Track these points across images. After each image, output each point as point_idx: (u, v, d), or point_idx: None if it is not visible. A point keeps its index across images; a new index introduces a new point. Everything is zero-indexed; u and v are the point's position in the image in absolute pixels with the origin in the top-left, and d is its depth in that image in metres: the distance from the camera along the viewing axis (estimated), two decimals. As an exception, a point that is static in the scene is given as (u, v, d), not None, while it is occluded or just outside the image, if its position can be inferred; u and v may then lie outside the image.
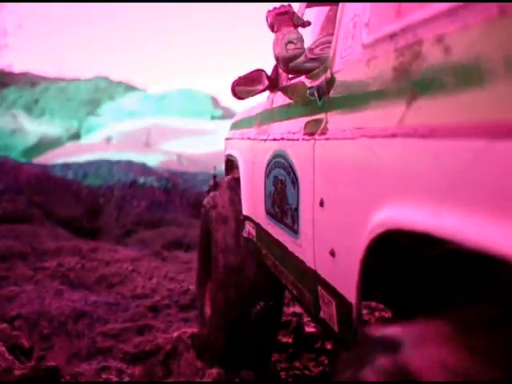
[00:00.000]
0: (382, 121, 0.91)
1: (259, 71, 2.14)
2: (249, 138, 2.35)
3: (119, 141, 21.32)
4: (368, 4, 1.11)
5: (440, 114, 0.73)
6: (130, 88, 29.43)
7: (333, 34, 1.39)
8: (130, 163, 13.37)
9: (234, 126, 2.93)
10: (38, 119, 25.57)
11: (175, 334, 2.93)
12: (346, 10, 1.29)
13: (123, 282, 4.46)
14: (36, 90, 27.15)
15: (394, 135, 0.84)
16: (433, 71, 0.78)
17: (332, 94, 1.30)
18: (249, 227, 2.32)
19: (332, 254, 1.18)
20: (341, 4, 1.34)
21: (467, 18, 0.69)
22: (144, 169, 13.09)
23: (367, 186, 0.96)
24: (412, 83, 0.84)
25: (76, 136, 25.20)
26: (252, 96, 2.19)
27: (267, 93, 2.21)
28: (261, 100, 2.38)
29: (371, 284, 0.99)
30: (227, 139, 2.99)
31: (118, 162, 13.37)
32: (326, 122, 1.29)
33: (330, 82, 1.31)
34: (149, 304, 3.72)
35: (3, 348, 2.33)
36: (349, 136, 1.07)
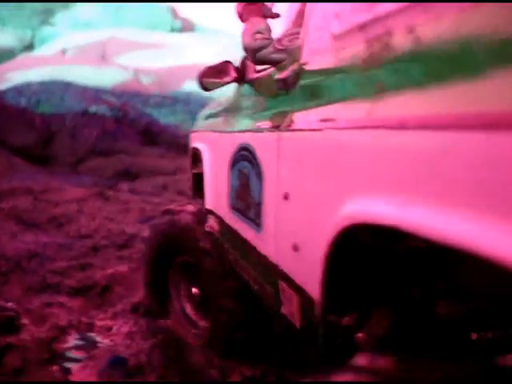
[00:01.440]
0: (350, 112, 0.90)
1: (226, 63, 2.11)
2: (214, 131, 2.31)
3: (75, 53, 20.46)
4: None
5: (409, 105, 0.71)
6: None
7: (302, 26, 1.37)
8: (82, 89, 13.42)
9: (201, 119, 2.88)
10: (-12, 29, 24.03)
11: (110, 271, 3.62)
12: (315, 2, 1.26)
13: (70, 222, 5.12)
14: (-16, -2, 25.51)
15: (361, 127, 0.83)
16: (402, 62, 0.76)
17: (299, 85, 1.28)
18: (211, 221, 2.29)
19: (295, 248, 1.16)
20: None
21: (438, 9, 0.67)
22: (96, 96, 13.13)
23: (333, 179, 0.94)
24: (381, 74, 0.82)
25: (30, 47, 23.72)
26: (219, 87, 2.15)
27: (234, 85, 2.18)
28: (227, 92, 2.34)
29: (335, 280, 0.98)
30: (193, 132, 2.94)
31: (70, 85, 13.39)
32: (293, 115, 1.26)
33: (298, 73, 1.29)
34: (90, 244, 4.31)
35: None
36: (316, 127, 1.05)
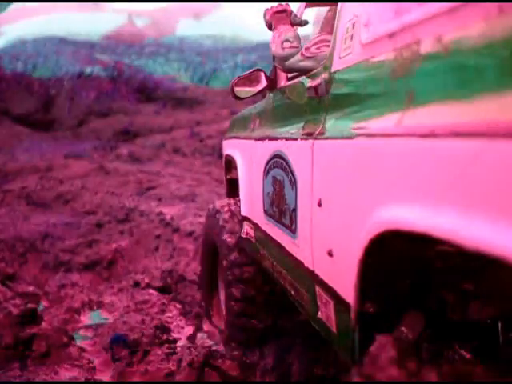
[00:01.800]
0: (381, 121, 0.91)
1: (258, 71, 2.14)
2: (247, 139, 2.35)
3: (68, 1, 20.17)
4: (367, 4, 1.11)
5: (439, 114, 0.72)
6: None
7: (330, 34, 1.39)
8: (76, 49, 13.61)
9: (233, 126, 2.93)
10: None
11: (113, 246, 4.06)
12: (344, 10, 1.28)
13: (75, 198, 5.67)
14: None
15: (392, 135, 0.84)
16: (431, 71, 0.78)
17: (331, 93, 1.30)
18: (247, 228, 2.32)
19: (330, 254, 1.18)
20: (340, 4, 1.34)
21: (466, 18, 0.68)
22: (90, 56, 13.41)
23: (365, 187, 0.95)
24: (411, 82, 0.83)
25: None
26: (251, 96, 2.18)
27: (266, 93, 2.21)
28: (260, 100, 2.37)
29: (369, 284, 0.99)
30: (226, 139, 2.98)
31: (64, 42, 13.65)
32: (325, 122, 1.28)
33: (329, 81, 1.31)
34: (95, 221, 4.79)
35: (-4, 282, 3.10)
36: (348, 136, 1.07)
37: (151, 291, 3.31)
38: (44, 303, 3.28)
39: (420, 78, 0.81)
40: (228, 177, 2.88)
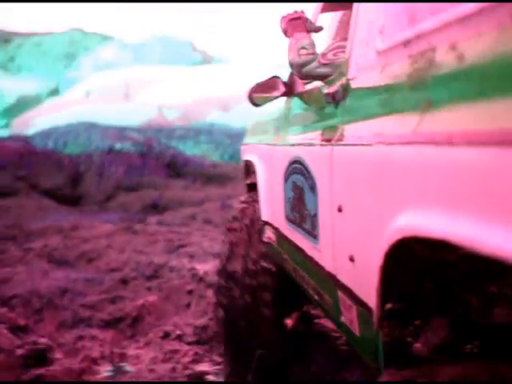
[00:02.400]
0: (398, 128, 0.92)
1: (275, 78, 2.16)
2: (266, 144, 2.37)
3: (99, 94, 21.12)
4: (382, 10, 1.12)
5: (456, 121, 0.73)
6: (106, 38, 28.82)
7: (346, 40, 1.40)
8: (106, 128, 13.78)
9: (251, 132, 2.95)
10: (14, 77, 25.29)
11: (140, 302, 3.72)
12: (360, 17, 1.30)
13: (100, 257, 5.27)
14: (9, 46, 26.71)
15: (410, 142, 0.85)
16: (447, 78, 0.79)
17: (348, 100, 1.31)
18: (268, 232, 2.34)
19: (351, 259, 1.19)
20: (354, 10, 1.35)
21: (481, 25, 0.69)
22: (120, 134, 13.52)
23: (384, 193, 0.97)
24: (426, 90, 0.84)
25: (55, 92, 24.76)
26: (268, 102, 2.21)
27: (284, 99, 2.23)
28: (277, 106, 2.39)
29: (391, 289, 1.00)
30: (244, 145, 3.01)
31: (95, 126, 13.78)
32: (343, 129, 1.29)
33: (346, 88, 1.32)
34: (120, 277, 4.42)
35: (5, 330, 2.84)
36: (366, 142, 1.08)
37: (182, 343, 3.06)
38: (58, 355, 2.98)
39: (436, 86, 0.82)
40: (248, 182, 2.91)
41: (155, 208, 8.67)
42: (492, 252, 0.60)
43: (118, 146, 12.48)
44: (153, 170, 11.39)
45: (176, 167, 11.96)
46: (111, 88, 21.66)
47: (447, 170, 0.72)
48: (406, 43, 0.95)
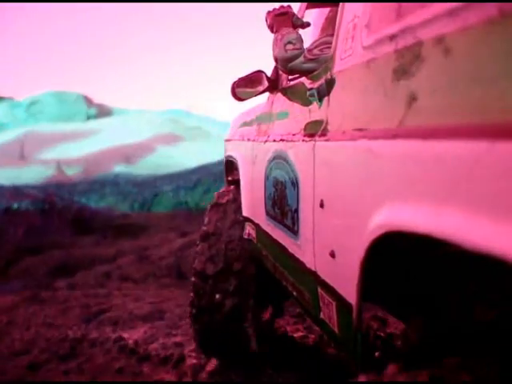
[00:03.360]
0: (383, 122, 0.91)
1: (259, 72, 2.14)
2: (249, 140, 2.35)
3: None
4: (368, 5, 1.11)
5: (440, 115, 0.73)
6: None
7: (332, 35, 1.39)
8: (0, 187, 12.98)
9: (234, 127, 2.93)
10: None
11: None
12: (345, 12, 1.29)
13: None
14: None
15: (394, 136, 0.84)
16: (433, 72, 0.78)
17: (332, 95, 1.30)
18: (249, 228, 2.32)
19: (332, 255, 1.18)
20: (341, 5, 1.34)
21: (467, 19, 0.68)
22: (16, 192, 12.70)
23: (367, 188, 0.96)
24: (412, 84, 0.84)
25: None
26: (252, 97, 2.19)
27: (267, 94, 2.21)
28: (260, 101, 2.38)
29: (371, 285, 0.99)
30: (227, 140, 2.99)
31: None
32: (326, 123, 1.29)
33: (330, 83, 1.31)
34: (27, 362, 3.44)
35: None
36: (349, 137, 1.07)
37: None
38: None
39: (421, 80, 0.81)
40: (229, 178, 2.89)
41: (63, 270, 7.65)
42: (476, 246, 0.59)
43: (14, 205, 11.65)
44: (57, 228, 10.38)
45: (82, 223, 11.00)
46: (4, 149, 20.99)
47: (432, 164, 0.72)
48: (392, 37, 0.94)
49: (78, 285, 6.27)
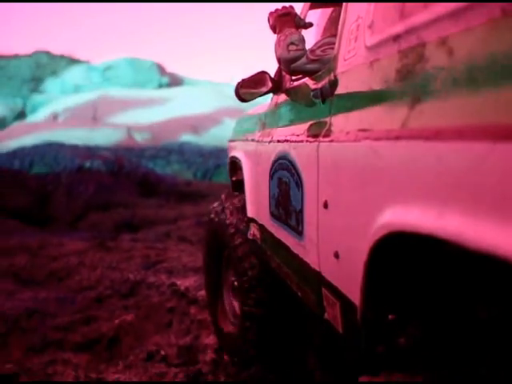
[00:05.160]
0: (386, 123, 0.92)
1: (263, 73, 2.14)
2: (253, 140, 2.36)
3: (66, 117, 21.12)
4: (371, 6, 1.11)
5: (444, 116, 0.73)
6: (72, 61, 28.76)
7: (335, 36, 1.39)
8: (75, 147, 13.50)
9: (238, 128, 2.94)
10: (-21, 101, 24.48)
11: (116, 322, 3.38)
12: (349, 12, 1.29)
13: (70, 275, 4.77)
14: (-26, 70, 25.97)
15: (397, 137, 0.85)
16: (436, 73, 0.78)
17: (336, 95, 1.30)
18: (253, 229, 2.32)
19: (336, 255, 1.18)
20: (344, 6, 1.34)
21: (470, 20, 0.69)
22: (89, 152, 13.17)
23: (371, 188, 0.96)
24: (416, 85, 0.84)
25: (21, 115, 24.72)
26: (256, 98, 2.19)
27: (271, 95, 2.22)
28: (264, 102, 2.38)
29: (376, 286, 0.99)
30: (231, 141, 3.00)
31: (63, 146, 13.45)
32: (330, 124, 1.29)
33: (334, 83, 1.32)
34: (93, 295, 4.02)
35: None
36: (353, 138, 1.07)
37: (168, 365, 2.76)
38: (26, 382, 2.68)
39: (425, 81, 0.81)
40: (233, 178, 2.90)
41: (128, 227, 8.23)
42: (479, 246, 0.59)
43: (87, 164, 12.24)
44: (124, 189, 11.02)
45: (148, 186, 11.63)
46: (78, 111, 21.53)
47: (435, 165, 0.72)
48: (396, 38, 0.94)
49: (140, 240, 6.74)
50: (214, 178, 15.41)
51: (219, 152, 17.30)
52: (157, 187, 11.79)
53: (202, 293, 3.54)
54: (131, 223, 8.45)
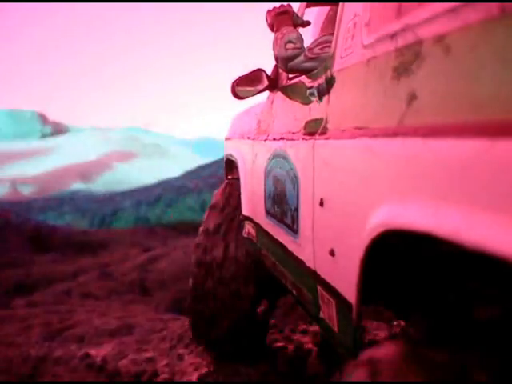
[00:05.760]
0: (382, 121, 0.91)
1: (259, 71, 2.14)
2: (248, 138, 2.35)
3: None
4: (368, 4, 1.11)
5: (440, 113, 0.72)
6: None
7: (332, 34, 1.39)
8: None
9: (234, 126, 2.93)
10: None
11: None
12: (346, 10, 1.29)
13: None
14: None
15: (393, 135, 0.84)
16: (433, 71, 0.78)
17: (332, 93, 1.30)
18: (248, 227, 2.32)
19: (332, 253, 1.18)
20: (341, 4, 1.34)
21: (467, 18, 0.68)
22: None
23: (367, 186, 0.96)
24: (412, 83, 0.84)
25: None
26: (252, 96, 2.19)
27: (267, 92, 2.21)
28: (260, 100, 2.38)
29: (371, 284, 0.99)
30: (227, 139, 2.99)
31: None
32: (326, 122, 1.28)
33: (330, 81, 1.31)
34: None
35: None
36: (349, 136, 1.07)
37: None
38: None
39: (421, 78, 0.81)
40: (229, 177, 2.89)
41: (21, 289, 7.25)
42: (476, 245, 0.59)
43: None
44: (14, 246, 9.95)
45: (41, 240, 10.56)
46: None
47: (431, 163, 0.71)
48: (393, 36, 0.94)
49: (38, 303, 5.80)
50: (113, 225, 14.49)
51: (115, 196, 16.68)
52: (50, 240, 10.70)
53: (125, 362, 3.00)
54: (25, 284, 7.48)
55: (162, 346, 3.18)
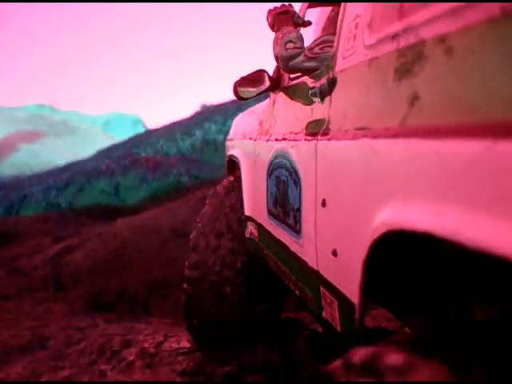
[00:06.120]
0: (385, 121, 0.91)
1: (261, 71, 2.14)
2: (251, 139, 2.35)
3: None
4: (370, 4, 1.11)
5: (442, 114, 0.73)
6: None
7: (333, 34, 1.39)
8: None
9: (236, 127, 2.93)
10: None
11: None
12: (347, 11, 1.29)
13: None
14: None
15: (396, 136, 0.85)
16: (435, 71, 0.78)
17: (334, 94, 1.30)
18: (251, 227, 2.32)
19: (334, 254, 1.18)
20: (342, 4, 1.34)
21: (469, 18, 0.69)
22: None
23: (369, 187, 0.96)
24: (414, 83, 0.84)
25: None
26: (254, 96, 2.19)
27: (269, 93, 2.22)
28: (263, 100, 2.38)
29: (374, 284, 0.99)
30: (229, 140, 2.99)
31: None
32: (328, 123, 1.29)
33: (332, 82, 1.31)
34: None
35: None
36: (351, 136, 1.07)
37: None
38: None
39: (423, 79, 0.81)
40: (231, 178, 2.89)
41: None
42: (477, 245, 0.59)
43: None
44: None
45: None
46: None
47: (433, 163, 0.72)
48: (394, 36, 0.94)
49: None
50: (21, 212, 13.12)
51: (22, 181, 15.14)
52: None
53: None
54: None
55: (81, 361, 2.80)
